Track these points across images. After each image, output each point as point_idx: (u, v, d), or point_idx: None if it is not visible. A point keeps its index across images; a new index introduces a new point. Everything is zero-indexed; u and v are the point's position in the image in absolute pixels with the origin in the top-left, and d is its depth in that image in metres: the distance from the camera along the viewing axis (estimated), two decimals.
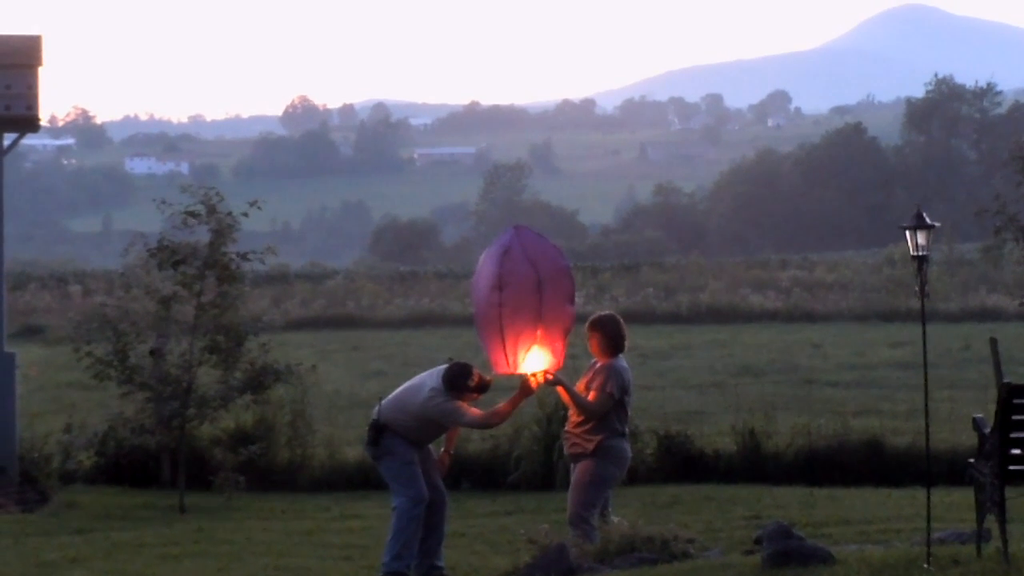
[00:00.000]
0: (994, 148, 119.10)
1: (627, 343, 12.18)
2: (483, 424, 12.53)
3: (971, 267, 56.58)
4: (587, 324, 12.08)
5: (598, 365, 12.03)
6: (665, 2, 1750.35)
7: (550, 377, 11.58)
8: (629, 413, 12.07)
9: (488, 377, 12.13)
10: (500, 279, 11.36)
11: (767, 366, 31.90)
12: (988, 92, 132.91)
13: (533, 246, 11.56)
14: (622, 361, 12.02)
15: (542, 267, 11.44)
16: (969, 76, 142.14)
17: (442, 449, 12.67)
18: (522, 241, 11.57)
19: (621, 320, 12.14)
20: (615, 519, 11.74)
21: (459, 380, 12.03)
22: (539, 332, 11.37)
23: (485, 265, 11.61)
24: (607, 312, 12.32)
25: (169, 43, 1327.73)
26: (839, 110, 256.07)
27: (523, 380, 11.64)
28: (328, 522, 16.75)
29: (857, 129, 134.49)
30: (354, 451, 19.83)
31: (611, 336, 12.00)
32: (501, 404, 12.07)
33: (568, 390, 11.86)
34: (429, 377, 12.20)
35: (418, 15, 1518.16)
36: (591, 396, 11.85)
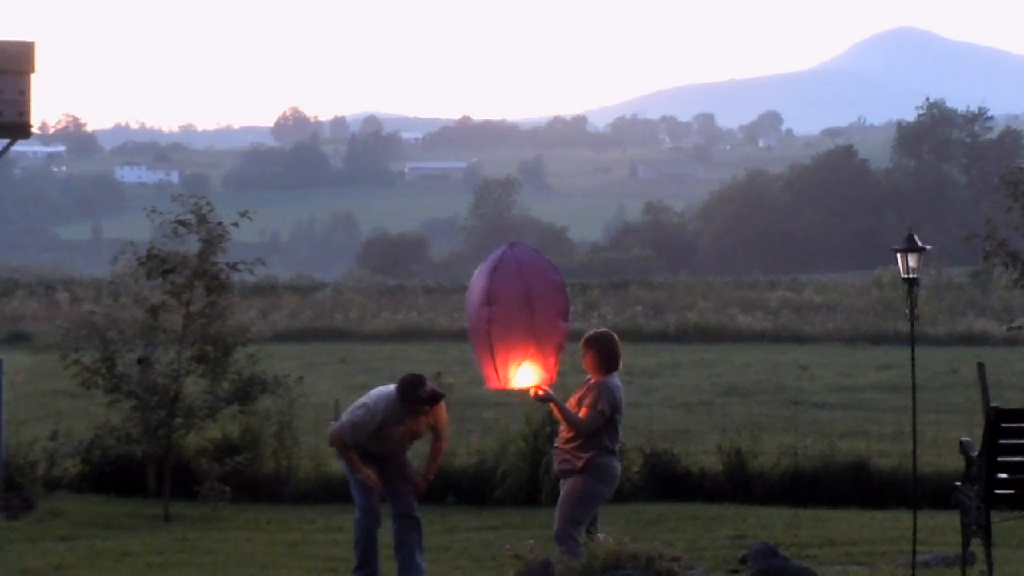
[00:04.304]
0: (984, 173, 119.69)
1: (621, 361, 12.15)
2: (337, 445, 12.84)
3: (959, 291, 56.70)
4: (582, 341, 12.03)
5: (591, 382, 11.99)
6: (658, 20, 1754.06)
7: (541, 393, 11.56)
8: (620, 431, 12.04)
9: (440, 390, 12.30)
10: (489, 294, 11.33)
11: (754, 386, 31.87)
12: (979, 117, 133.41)
13: (527, 261, 11.52)
14: (615, 379, 11.96)
15: (534, 283, 11.38)
16: (960, 100, 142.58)
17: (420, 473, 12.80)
18: (516, 256, 11.53)
19: (616, 338, 12.07)
20: (601, 536, 11.72)
21: (411, 391, 12.12)
22: (531, 347, 11.32)
23: (477, 280, 11.58)
24: (603, 329, 12.24)
25: (161, 52, 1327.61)
26: (830, 132, 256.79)
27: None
28: (313, 534, 16.73)
29: (848, 151, 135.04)
30: (339, 464, 19.78)
31: (605, 353, 11.94)
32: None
33: (559, 406, 11.82)
34: (375, 392, 12.48)
35: (411, 29, 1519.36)
36: (582, 413, 11.81)
